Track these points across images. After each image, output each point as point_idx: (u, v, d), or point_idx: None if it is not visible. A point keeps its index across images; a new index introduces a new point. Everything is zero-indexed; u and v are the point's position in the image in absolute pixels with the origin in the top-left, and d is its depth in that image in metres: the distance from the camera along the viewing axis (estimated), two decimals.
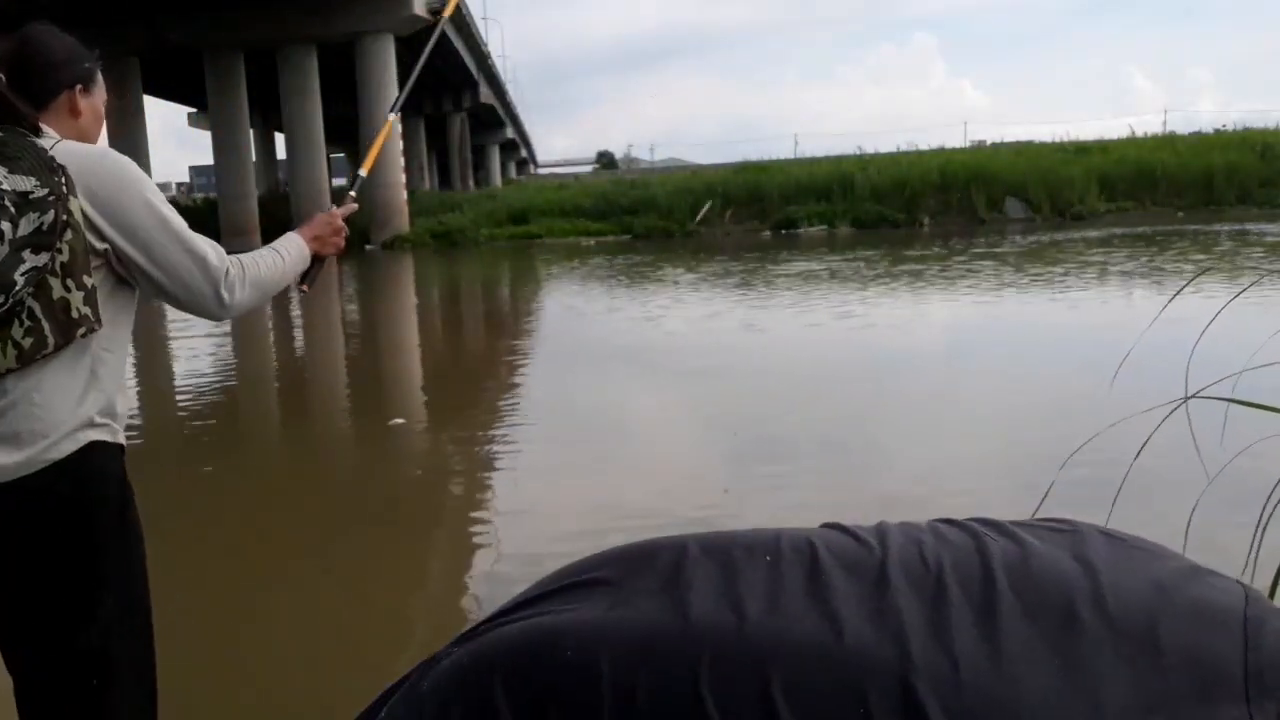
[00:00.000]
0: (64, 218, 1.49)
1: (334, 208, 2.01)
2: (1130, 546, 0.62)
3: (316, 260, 1.94)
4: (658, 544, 0.70)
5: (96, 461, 1.56)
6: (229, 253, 1.71)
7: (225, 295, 1.67)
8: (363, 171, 2.21)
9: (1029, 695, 0.51)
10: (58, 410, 1.52)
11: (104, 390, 1.59)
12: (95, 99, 1.76)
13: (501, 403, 6.99)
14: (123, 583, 1.60)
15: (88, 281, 1.54)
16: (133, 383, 7.68)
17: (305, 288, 1.95)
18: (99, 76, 1.77)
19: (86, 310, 1.53)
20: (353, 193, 2.09)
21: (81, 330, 1.52)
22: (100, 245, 1.58)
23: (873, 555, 0.61)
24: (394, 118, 2.31)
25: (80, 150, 1.59)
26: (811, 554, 0.62)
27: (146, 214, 1.60)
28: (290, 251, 1.85)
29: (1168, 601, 0.56)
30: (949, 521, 0.69)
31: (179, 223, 1.64)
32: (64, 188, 1.50)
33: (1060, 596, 0.55)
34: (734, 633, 0.58)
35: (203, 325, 10.75)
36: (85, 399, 1.56)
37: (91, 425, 1.56)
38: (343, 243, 1.98)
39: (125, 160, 1.63)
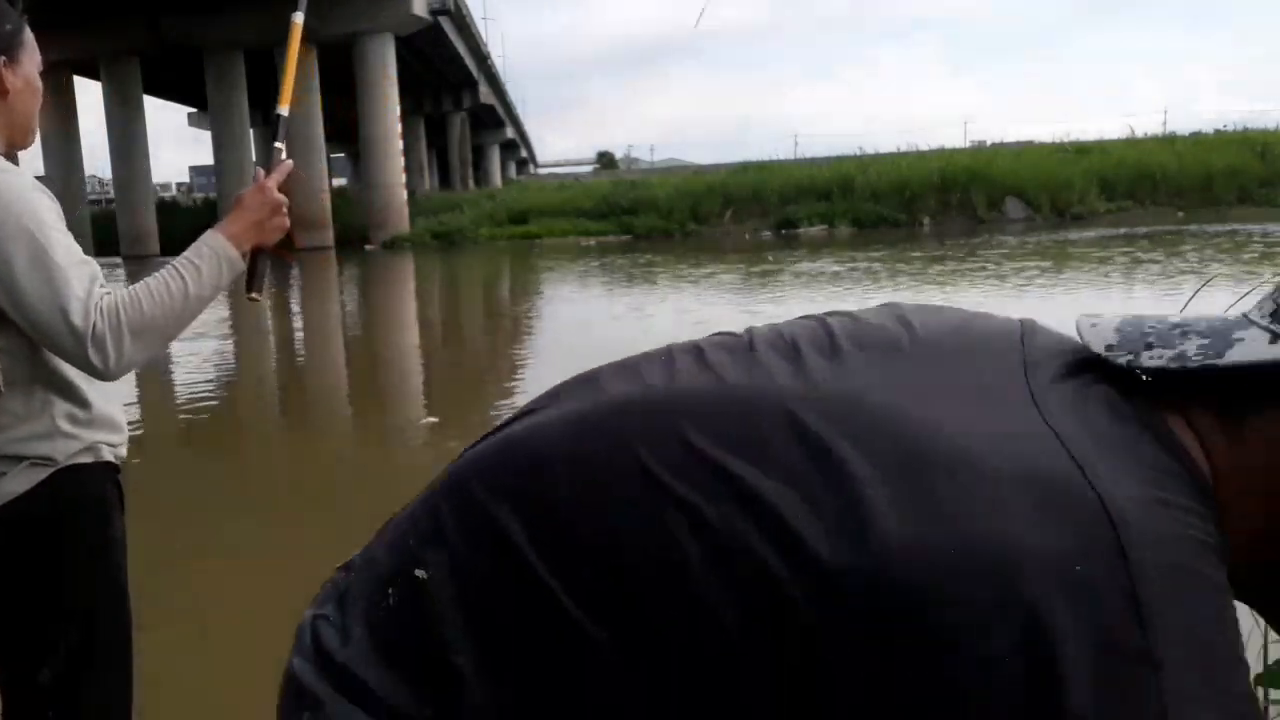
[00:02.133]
0: None
1: (260, 172, 1.54)
2: (942, 308, 0.80)
3: (258, 255, 1.53)
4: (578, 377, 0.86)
5: (70, 488, 1.43)
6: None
7: (94, 358, 1.34)
8: (282, 109, 1.66)
9: (872, 388, 0.68)
10: (9, 448, 1.39)
11: (71, 415, 1.44)
12: (27, 68, 1.44)
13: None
14: (91, 615, 1.48)
15: None
16: (129, 388, 7.67)
17: (255, 295, 1.55)
18: (28, 38, 1.45)
19: None
20: (279, 143, 1.60)
21: None
22: None
23: (741, 338, 0.78)
24: (299, 19, 1.74)
25: None
26: (696, 346, 0.78)
27: (16, 245, 1.32)
28: (201, 264, 1.44)
29: (966, 330, 0.75)
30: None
31: (55, 258, 1.34)
32: None
33: (886, 336, 0.73)
34: (644, 396, 0.74)
35: (209, 327, 10.75)
36: (44, 432, 1.41)
37: (55, 452, 1.42)
38: (286, 222, 1.53)
39: (9, 184, 1.36)
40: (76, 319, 1.32)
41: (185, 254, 1.46)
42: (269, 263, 1.54)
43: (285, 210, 1.53)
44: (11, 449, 1.40)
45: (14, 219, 1.33)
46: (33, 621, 1.46)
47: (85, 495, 1.47)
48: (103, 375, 1.37)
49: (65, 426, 1.43)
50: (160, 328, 1.39)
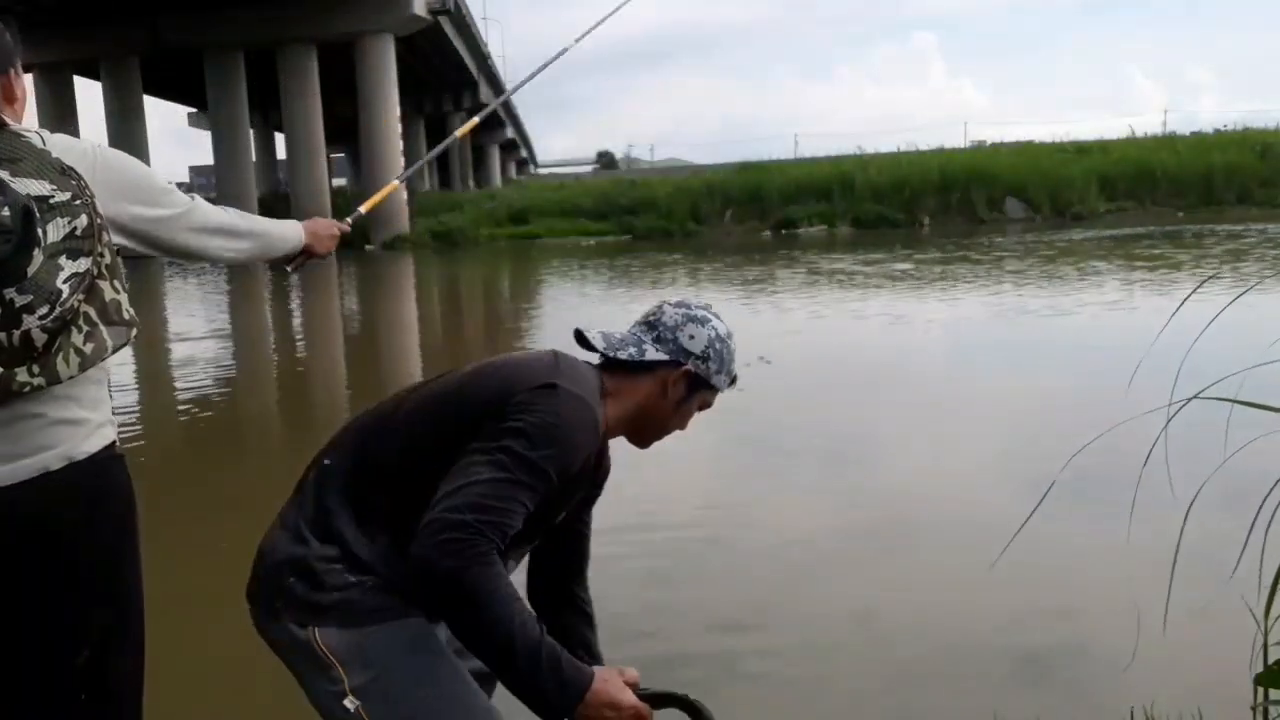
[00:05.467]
0: (98, 220, 1.43)
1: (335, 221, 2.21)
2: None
3: (306, 252, 2.05)
4: None
5: (111, 468, 1.51)
6: None
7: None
8: (362, 209, 2.50)
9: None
10: (74, 416, 1.46)
11: (108, 398, 1.54)
12: (22, 80, 1.65)
13: None
14: (125, 597, 1.54)
15: (126, 284, 1.49)
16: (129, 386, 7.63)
17: (290, 269, 2.14)
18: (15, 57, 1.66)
19: (132, 311, 1.48)
20: (349, 219, 2.31)
21: (134, 331, 1.48)
22: (119, 241, 1.53)
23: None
24: (400, 184, 2.79)
25: (76, 148, 1.50)
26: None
27: (153, 179, 1.63)
28: (285, 224, 1.98)
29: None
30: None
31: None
32: (87, 190, 1.43)
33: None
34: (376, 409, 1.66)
35: (209, 327, 10.72)
36: (98, 408, 1.50)
37: (102, 431, 1.50)
38: (333, 246, 2.16)
39: (120, 153, 1.61)
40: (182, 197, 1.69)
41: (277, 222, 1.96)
42: (306, 259, 2.12)
43: (335, 243, 2.15)
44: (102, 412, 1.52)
45: (138, 163, 1.63)
46: (77, 603, 1.47)
47: (122, 479, 1.54)
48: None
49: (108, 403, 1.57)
50: (241, 230, 1.79)
